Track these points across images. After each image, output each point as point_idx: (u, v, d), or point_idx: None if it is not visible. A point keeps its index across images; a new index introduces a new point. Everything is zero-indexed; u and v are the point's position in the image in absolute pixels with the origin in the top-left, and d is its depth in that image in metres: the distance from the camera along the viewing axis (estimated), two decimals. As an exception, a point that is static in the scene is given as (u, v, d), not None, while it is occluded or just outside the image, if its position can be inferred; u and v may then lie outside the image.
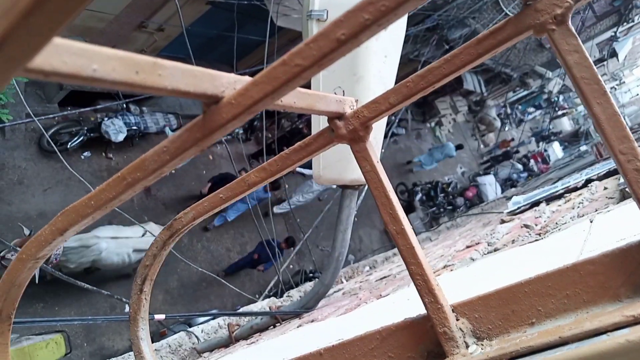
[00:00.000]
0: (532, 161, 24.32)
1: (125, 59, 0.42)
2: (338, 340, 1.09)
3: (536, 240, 1.72)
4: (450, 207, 14.93)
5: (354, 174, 2.30)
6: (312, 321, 2.07)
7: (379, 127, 2.44)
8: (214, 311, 6.59)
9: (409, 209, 13.79)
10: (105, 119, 7.25)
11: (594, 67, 0.57)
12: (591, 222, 1.30)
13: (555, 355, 0.43)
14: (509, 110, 26.85)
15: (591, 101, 0.56)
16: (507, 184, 19.26)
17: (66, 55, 0.36)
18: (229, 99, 0.48)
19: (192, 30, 7.43)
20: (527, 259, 1.10)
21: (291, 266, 9.99)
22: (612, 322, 0.47)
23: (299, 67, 0.45)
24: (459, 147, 15.98)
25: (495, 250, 1.76)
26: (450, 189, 15.43)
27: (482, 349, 0.49)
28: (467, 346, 0.50)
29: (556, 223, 1.68)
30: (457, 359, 0.49)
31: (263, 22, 5.80)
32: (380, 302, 1.66)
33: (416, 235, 0.66)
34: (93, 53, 0.39)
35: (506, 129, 24.87)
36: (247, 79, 0.50)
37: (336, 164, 2.30)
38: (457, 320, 0.51)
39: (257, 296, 6.48)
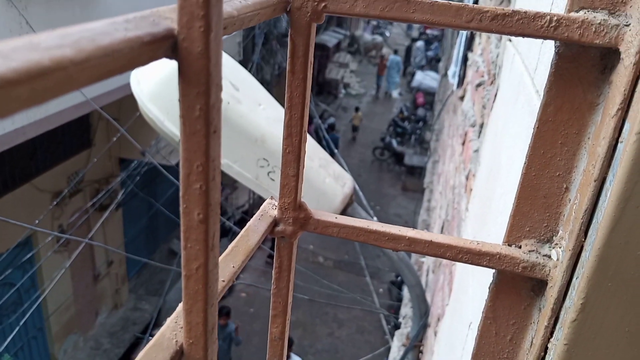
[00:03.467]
0: (427, 30, 24.71)
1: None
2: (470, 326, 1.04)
3: (492, 84, 1.71)
4: (420, 124, 15.03)
5: (337, 197, 2.27)
6: (439, 320, 2.02)
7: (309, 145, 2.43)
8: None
9: (399, 158, 13.83)
10: None
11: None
12: (510, 40, 1.29)
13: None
14: (373, 22, 27.30)
15: None
16: (433, 64, 19.49)
17: None
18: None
19: None
20: (509, 115, 1.08)
21: (380, 290, 9.85)
22: None
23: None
24: (395, 52, 19.56)
25: (482, 126, 1.74)
26: (405, 113, 15.56)
27: (560, 247, 0.45)
28: (549, 257, 0.46)
29: (493, 63, 1.68)
30: (554, 274, 0.45)
31: None
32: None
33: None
34: None
35: (387, 34, 25.27)
36: None
37: (322, 205, 2.27)
38: (520, 248, 0.48)
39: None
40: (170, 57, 0.28)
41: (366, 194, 11.73)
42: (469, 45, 3.43)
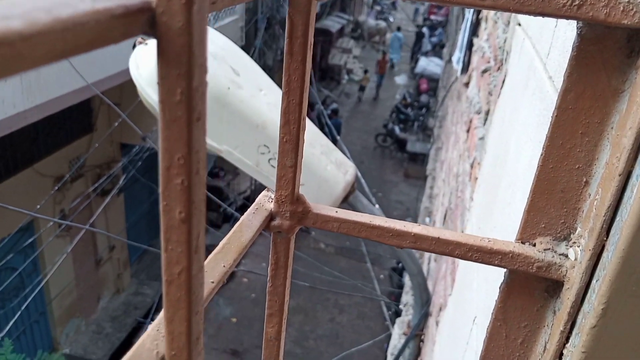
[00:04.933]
0: (431, 16, 24.48)
1: None
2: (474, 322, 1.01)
3: (499, 70, 1.66)
4: (423, 110, 14.94)
5: (339, 185, 2.23)
6: (440, 309, 1.99)
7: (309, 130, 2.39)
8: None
9: (401, 144, 13.77)
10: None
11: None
12: (519, 24, 1.25)
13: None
14: (377, 7, 27.07)
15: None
16: (437, 50, 19.33)
17: None
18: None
19: None
20: (518, 101, 1.04)
21: (381, 276, 9.86)
22: None
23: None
24: (399, 28, 20.22)
25: (487, 113, 1.70)
26: (409, 99, 15.48)
27: (579, 246, 0.42)
28: (566, 256, 0.43)
29: (500, 49, 1.63)
30: (571, 275, 0.42)
31: None
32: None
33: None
34: None
35: (391, 20, 25.03)
36: None
37: (323, 193, 2.24)
38: (534, 246, 0.44)
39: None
40: (148, 34, 0.25)
41: (368, 181, 11.69)
42: (475, 30, 3.37)
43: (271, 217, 0.48)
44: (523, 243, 0.45)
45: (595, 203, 0.41)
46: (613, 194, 0.38)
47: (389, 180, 13.17)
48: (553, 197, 0.43)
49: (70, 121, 6.72)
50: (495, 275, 0.84)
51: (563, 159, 0.42)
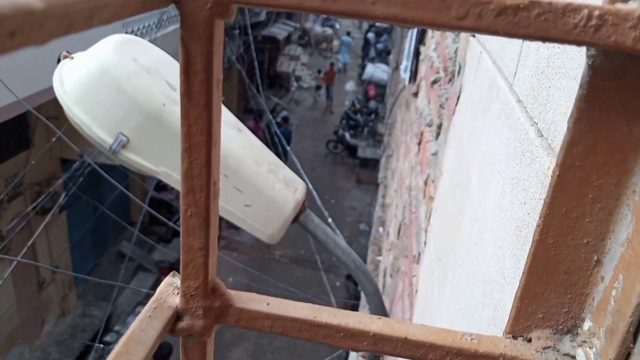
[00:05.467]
0: (377, 23, 24.77)
1: None
2: None
3: (450, 82, 1.59)
4: (372, 116, 15.06)
5: (288, 204, 2.10)
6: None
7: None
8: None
9: (352, 150, 13.79)
10: None
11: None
12: (473, 36, 1.16)
13: None
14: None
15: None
16: (383, 56, 19.56)
17: None
18: None
19: None
20: (478, 124, 0.94)
21: (337, 284, 9.78)
22: None
23: None
24: (348, 33, 21.11)
25: (439, 127, 1.62)
26: (357, 106, 15.56)
27: (591, 347, 0.31)
28: (574, 358, 0.32)
29: (450, 60, 1.55)
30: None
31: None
32: (422, 267, 1.49)
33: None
34: None
35: (337, 27, 25.16)
36: None
37: (272, 214, 2.11)
38: (529, 342, 0.33)
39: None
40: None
41: (321, 188, 11.64)
42: (421, 38, 3.32)
43: (177, 316, 0.35)
44: (515, 338, 0.34)
45: (614, 293, 0.30)
46: (643, 286, 0.27)
47: (342, 186, 13.16)
48: (554, 280, 0.32)
49: (6, 137, 6.31)
50: (462, 319, 0.74)
51: (567, 232, 0.31)
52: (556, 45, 0.52)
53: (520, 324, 0.34)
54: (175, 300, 0.35)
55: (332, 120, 15.73)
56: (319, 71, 17.88)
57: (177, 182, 2.01)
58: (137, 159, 2.07)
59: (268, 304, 0.35)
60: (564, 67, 0.48)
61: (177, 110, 1.98)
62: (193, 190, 0.31)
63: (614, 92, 0.28)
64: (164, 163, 2.01)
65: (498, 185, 0.62)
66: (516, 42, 0.64)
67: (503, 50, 0.73)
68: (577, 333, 0.33)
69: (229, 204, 2.10)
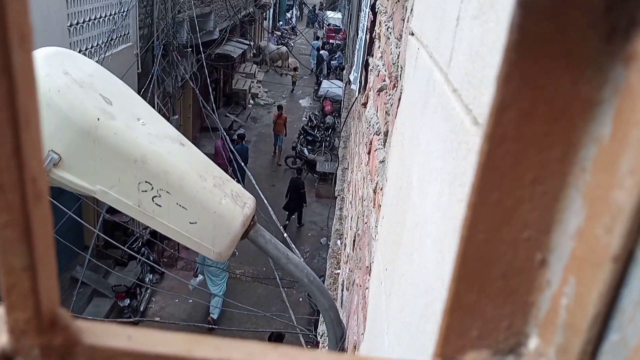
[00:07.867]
0: (330, 40, 25.08)
1: None
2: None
3: (394, 88, 1.55)
4: (330, 131, 15.15)
5: (236, 220, 2.00)
6: (355, 348, 1.82)
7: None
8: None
9: (311, 165, 13.77)
10: None
11: None
12: (412, 34, 1.11)
13: None
14: (278, 32, 27.30)
15: None
16: (338, 72, 19.75)
17: None
18: None
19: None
20: (417, 122, 0.89)
21: (300, 299, 9.64)
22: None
23: None
24: (317, 37, 21.94)
25: (386, 134, 1.57)
26: (314, 121, 15.63)
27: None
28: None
29: (394, 65, 1.50)
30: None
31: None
32: (372, 278, 1.43)
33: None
34: None
35: (292, 44, 25.27)
36: None
37: (219, 230, 2.01)
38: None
39: None
40: None
41: (280, 203, 11.51)
42: (369, 49, 3.31)
43: (5, 359, 0.26)
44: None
45: (564, 302, 0.23)
46: (601, 290, 0.21)
47: (311, 207, 13.09)
48: (489, 288, 0.25)
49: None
50: (407, 335, 0.67)
51: (502, 225, 0.24)
52: (490, 19, 0.46)
53: (452, 343, 0.27)
54: (2, 339, 0.26)
55: (289, 136, 15.67)
56: (295, 69, 20.27)
57: (116, 201, 1.89)
58: (71, 177, 1.93)
59: (129, 337, 0.27)
60: (498, 41, 0.42)
61: (113, 125, 1.87)
62: (2, 190, 0.22)
63: (554, 37, 0.21)
64: (100, 181, 1.88)
65: (436, 183, 0.56)
66: (450, 27, 0.59)
67: (438, 41, 0.67)
68: (521, 353, 0.26)
69: (173, 222, 1.99)
